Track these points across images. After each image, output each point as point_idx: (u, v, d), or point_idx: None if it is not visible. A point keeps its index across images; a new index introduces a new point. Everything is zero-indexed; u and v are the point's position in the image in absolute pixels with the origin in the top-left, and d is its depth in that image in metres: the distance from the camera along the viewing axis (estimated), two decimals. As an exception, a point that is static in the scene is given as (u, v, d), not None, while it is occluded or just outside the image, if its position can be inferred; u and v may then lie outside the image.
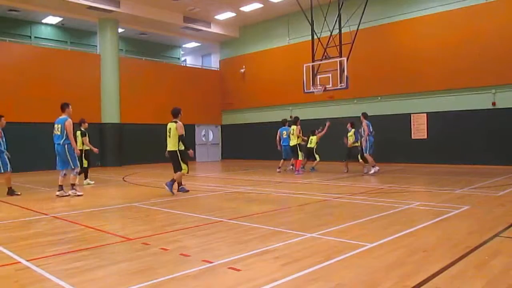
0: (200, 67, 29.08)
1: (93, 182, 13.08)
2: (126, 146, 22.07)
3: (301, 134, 15.07)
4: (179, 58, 30.34)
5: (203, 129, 26.57)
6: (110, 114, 21.73)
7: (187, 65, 30.01)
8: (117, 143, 21.72)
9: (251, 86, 25.04)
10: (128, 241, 5.36)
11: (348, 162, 15.23)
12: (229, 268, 4.10)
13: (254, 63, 24.98)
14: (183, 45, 29.69)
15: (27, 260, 4.49)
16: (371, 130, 14.24)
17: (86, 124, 13.30)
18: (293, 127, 15.08)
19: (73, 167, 9.96)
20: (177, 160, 9.85)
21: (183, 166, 9.92)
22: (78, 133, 12.72)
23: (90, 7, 19.81)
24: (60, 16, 22.14)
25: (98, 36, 22.38)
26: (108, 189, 12.14)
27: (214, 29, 24.66)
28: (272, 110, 24.05)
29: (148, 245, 5.08)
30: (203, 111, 25.83)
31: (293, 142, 15.02)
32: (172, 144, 9.84)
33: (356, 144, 14.67)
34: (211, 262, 4.28)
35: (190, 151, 10.00)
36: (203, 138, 26.56)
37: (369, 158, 14.19)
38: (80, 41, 24.71)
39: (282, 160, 16.22)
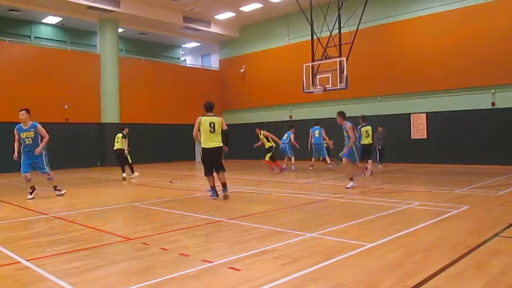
0: (200, 67, 29.08)
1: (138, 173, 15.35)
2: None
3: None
4: (179, 58, 30.34)
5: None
6: (110, 114, 21.72)
7: (187, 65, 30.01)
8: (117, 143, 21.71)
9: (251, 86, 25.05)
10: (128, 241, 5.36)
11: (363, 163, 13.09)
12: (229, 268, 4.10)
13: (254, 63, 24.98)
14: (183, 45, 29.69)
15: (27, 260, 4.49)
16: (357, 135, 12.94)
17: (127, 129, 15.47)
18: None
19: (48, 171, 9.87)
20: (221, 158, 8.97)
21: (223, 164, 9.06)
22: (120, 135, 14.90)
23: (90, 7, 19.80)
24: (60, 16, 22.13)
25: (98, 36, 22.38)
26: (108, 189, 12.14)
27: (214, 29, 24.67)
28: (271, 110, 24.06)
29: (147, 245, 5.08)
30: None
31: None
32: (217, 140, 8.81)
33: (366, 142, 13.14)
34: (211, 262, 4.28)
35: (226, 148, 9.12)
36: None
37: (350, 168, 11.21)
38: (80, 41, 24.70)
39: (313, 159, 16.39)
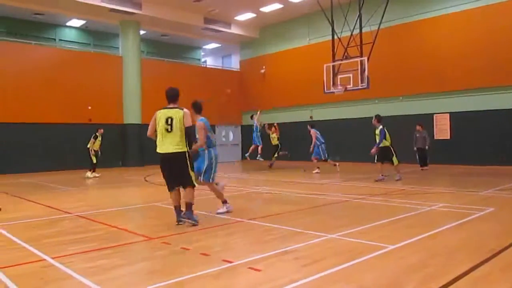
0: (220, 67, 29.22)
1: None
2: (147, 146, 22.30)
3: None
4: (199, 59, 30.55)
5: (223, 129, 26.69)
6: (132, 115, 22.02)
7: (208, 66, 30.19)
8: (139, 143, 21.98)
9: (271, 87, 25.03)
10: (149, 241, 5.43)
11: (382, 164, 12.49)
12: (250, 268, 4.11)
13: (274, 64, 24.97)
14: (204, 46, 29.88)
15: (52, 258, 4.60)
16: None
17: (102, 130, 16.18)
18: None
19: None
20: (186, 168, 6.24)
21: (192, 176, 6.36)
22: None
23: (112, 10, 20.12)
24: (83, 19, 22.55)
25: (120, 38, 22.72)
26: (129, 189, 12.30)
27: (234, 30, 24.76)
28: (292, 110, 24.00)
29: (169, 245, 5.13)
30: (223, 111, 25.94)
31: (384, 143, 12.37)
32: (176, 142, 6.17)
33: (387, 144, 12.23)
34: (231, 262, 4.30)
35: (195, 148, 6.61)
36: (223, 139, 26.68)
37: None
38: (103, 43, 25.11)
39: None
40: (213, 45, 29.18)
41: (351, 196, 9.24)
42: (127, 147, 21.60)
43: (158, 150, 6.24)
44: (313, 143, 15.59)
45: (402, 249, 4.70)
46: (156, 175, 15.73)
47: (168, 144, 6.18)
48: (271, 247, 4.89)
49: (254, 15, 23.17)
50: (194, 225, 6.20)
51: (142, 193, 11.41)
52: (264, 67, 25.55)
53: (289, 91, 23.75)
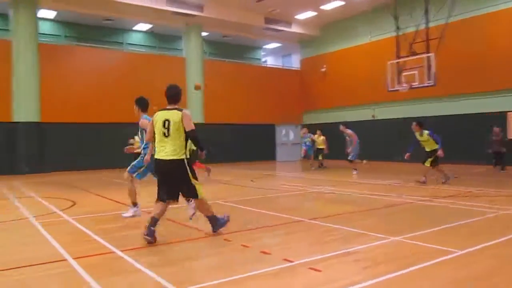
0: (280, 67, 29.26)
1: None
2: (209, 144, 22.84)
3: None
4: (260, 59, 30.79)
5: (283, 128, 26.71)
6: (195, 114, 22.61)
7: (268, 65, 30.35)
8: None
9: (332, 86, 24.69)
10: (210, 237, 5.56)
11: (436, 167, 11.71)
12: (310, 268, 4.09)
13: (335, 62, 24.60)
14: (264, 46, 30.06)
15: (121, 250, 4.84)
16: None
17: None
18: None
19: None
20: (187, 178, 5.49)
21: (198, 186, 5.63)
22: None
23: (176, 13, 20.80)
24: (149, 23, 23.52)
25: (183, 40, 23.45)
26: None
27: (294, 28, 24.69)
28: (353, 109, 23.51)
29: (229, 242, 5.23)
30: (283, 110, 25.97)
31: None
32: (174, 148, 5.41)
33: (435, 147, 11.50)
34: (291, 262, 4.30)
35: (202, 154, 5.95)
36: (284, 138, 26.71)
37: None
38: (167, 45, 26.02)
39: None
40: (273, 45, 29.28)
41: (415, 198, 8.90)
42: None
43: (156, 156, 5.52)
44: (354, 143, 15.01)
45: (467, 256, 4.46)
46: (218, 173, 16.07)
47: (165, 150, 5.40)
48: (332, 248, 4.83)
49: (314, 13, 22.96)
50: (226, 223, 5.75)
51: (204, 190, 11.65)
52: (324, 65, 25.25)
53: (351, 90, 23.29)
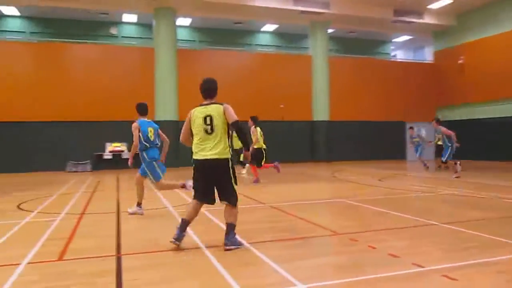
0: (411, 61, 27.69)
1: None
2: (334, 142, 22.67)
3: None
4: (389, 54, 29.50)
5: (414, 126, 25.14)
6: (321, 112, 22.64)
7: (398, 59, 28.93)
8: (326, 139, 22.51)
9: (471, 79, 22.52)
10: (336, 236, 5.50)
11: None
12: (443, 276, 3.79)
13: (475, 53, 22.39)
14: (393, 40, 28.73)
15: (249, 243, 5.05)
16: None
17: None
18: None
19: None
20: (230, 181, 5.08)
21: (236, 192, 5.17)
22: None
23: (302, 12, 20.99)
24: (276, 23, 24.16)
25: (309, 38, 23.58)
26: (317, 184, 12.65)
27: (427, 19, 23.10)
28: (498, 104, 21.16)
29: (355, 241, 5.11)
30: (414, 107, 24.51)
31: None
32: (218, 147, 4.98)
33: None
34: (422, 267, 4.04)
35: (248, 154, 5.47)
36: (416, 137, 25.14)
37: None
38: (293, 44, 26.42)
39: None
40: (403, 38, 27.80)
41: None
42: (316, 143, 22.40)
43: (195, 156, 5.04)
44: (454, 141, 13.29)
45: None
46: (343, 171, 15.83)
47: (209, 148, 4.96)
48: (469, 256, 4.42)
49: (450, 1, 21.21)
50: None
51: (329, 188, 11.61)
52: (462, 57, 23.17)
53: (493, 83, 21.01)
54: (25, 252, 4.75)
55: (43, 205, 8.56)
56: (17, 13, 21.55)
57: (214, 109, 5.02)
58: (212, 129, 4.94)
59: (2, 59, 18.53)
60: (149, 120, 7.50)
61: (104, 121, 19.25)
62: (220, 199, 5.16)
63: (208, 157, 4.94)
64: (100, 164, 19.11)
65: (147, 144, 7.28)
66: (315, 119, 22.70)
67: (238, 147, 13.66)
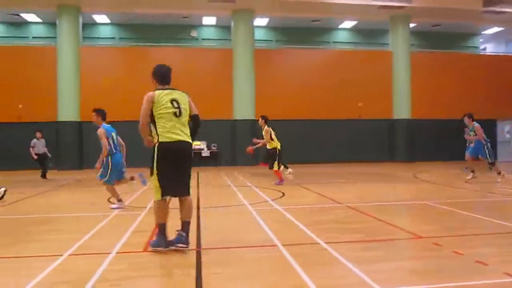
0: (503, 54, 25.65)
1: None
2: (416, 141, 21.68)
3: None
4: (477, 47, 27.56)
5: (507, 124, 23.35)
6: (402, 109, 21.77)
7: (487, 53, 26.94)
8: (407, 138, 21.59)
9: None
10: (418, 239, 5.26)
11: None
12: (539, 287, 3.49)
13: None
14: (482, 32, 26.76)
15: (326, 243, 5.00)
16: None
17: None
18: None
19: None
20: (191, 168, 4.95)
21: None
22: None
23: (382, 7, 20.29)
24: (354, 20, 23.62)
25: (389, 33, 22.74)
26: (397, 185, 12.19)
27: (521, 8, 21.24)
28: None
29: (439, 246, 4.85)
30: (507, 104, 22.67)
31: None
32: (187, 131, 4.89)
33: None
34: (514, 276, 3.74)
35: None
36: (507, 135, 23.34)
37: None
38: (372, 40, 25.64)
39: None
40: (493, 29, 25.80)
41: None
42: (396, 142, 21.61)
43: (163, 139, 4.67)
44: (480, 139, 11.89)
45: None
46: (426, 173, 15.09)
47: (179, 131, 4.74)
48: None
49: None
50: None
51: (410, 189, 11.12)
52: None
53: None
54: (114, 243, 5.11)
55: (130, 199, 9.13)
56: (108, 21, 23.19)
57: (180, 95, 4.93)
58: (180, 113, 4.79)
59: (95, 64, 20.01)
60: (109, 125, 7.99)
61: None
62: (181, 193, 4.87)
63: (181, 139, 4.74)
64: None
65: (114, 149, 7.81)
66: (395, 117, 21.86)
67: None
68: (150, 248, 4.81)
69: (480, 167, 12.93)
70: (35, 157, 14.46)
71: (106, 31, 23.90)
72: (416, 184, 12.24)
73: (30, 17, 22.40)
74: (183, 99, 4.90)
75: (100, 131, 7.74)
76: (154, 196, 4.82)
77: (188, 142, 4.81)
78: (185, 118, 4.84)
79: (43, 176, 14.71)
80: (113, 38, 23.70)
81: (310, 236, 5.39)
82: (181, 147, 4.73)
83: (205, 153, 19.89)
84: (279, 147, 11.81)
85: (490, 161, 12.08)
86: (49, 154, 15.03)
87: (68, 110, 19.19)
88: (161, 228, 4.81)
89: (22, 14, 21.94)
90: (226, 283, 3.77)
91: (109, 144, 7.68)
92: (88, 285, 3.67)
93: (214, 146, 20.13)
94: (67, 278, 3.94)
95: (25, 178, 14.89)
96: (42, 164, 14.76)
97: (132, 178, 8.23)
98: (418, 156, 21.42)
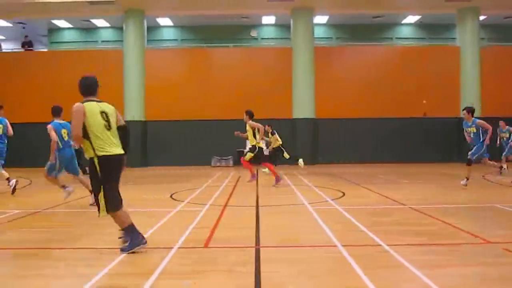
0: None
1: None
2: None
3: None
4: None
5: None
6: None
7: None
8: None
9: None
10: (486, 244, 4.97)
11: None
12: None
13: None
14: None
15: (387, 245, 4.86)
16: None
17: None
18: None
19: None
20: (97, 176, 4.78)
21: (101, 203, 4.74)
22: None
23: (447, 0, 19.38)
24: (418, 15, 22.74)
25: (457, 28, 21.64)
26: (464, 186, 11.57)
27: None
28: None
29: (510, 253, 4.56)
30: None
31: None
32: (119, 143, 4.96)
33: None
34: None
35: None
36: None
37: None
38: (438, 35, 24.57)
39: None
40: None
41: None
42: (463, 140, 20.49)
43: (104, 152, 4.68)
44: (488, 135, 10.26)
45: None
46: (497, 173, 14.22)
47: (116, 144, 4.84)
48: None
49: None
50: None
51: (479, 191, 10.50)
52: None
53: None
54: (176, 238, 5.28)
55: (192, 196, 9.40)
56: (171, 23, 24.03)
57: (108, 107, 4.92)
58: (110, 126, 4.81)
59: (160, 66, 20.79)
60: (62, 122, 8.29)
61: (245, 119, 20.34)
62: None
63: (120, 153, 4.84)
64: (241, 160, 20.29)
65: (60, 144, 8.16)
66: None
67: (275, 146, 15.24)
68: (124, 253, 4.63)
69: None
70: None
71: (169, 34, 24.78)
72: (485, 185, 11.59)
73: (99, 22, 23.72)
74: (111, 111, 4.92)
75: (48, 127, 8.25)
76: (100, 213, 4.74)
77: (122, 154, 4.88)
78: (115, 129, 4.89)
79: (84, 172, 15.53)
80: (175, 40, 24.51)
81: (371, 238, 5.27)
82: (117, 159, 4.80)
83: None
84: (261, 145, 11.38)
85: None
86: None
87: (133, 110, 20.08)
88: (131, 228, 4.75)
89: (92, 20, 23.28)
90: (284, 282, 3.78)
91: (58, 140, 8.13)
92: (152, 278, 3.83)
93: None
94: (133, 270, 4.14)
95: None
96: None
97: (63, 186, 8.38)
98: (489, 156, 20.21)
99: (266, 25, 24.48)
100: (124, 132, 5.05)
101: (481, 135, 10.42)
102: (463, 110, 10.88)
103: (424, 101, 20.33)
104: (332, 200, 8.55)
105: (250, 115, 11.20)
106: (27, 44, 22.64)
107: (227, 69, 20.79)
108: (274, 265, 4.24)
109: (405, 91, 20.44)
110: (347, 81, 20.58)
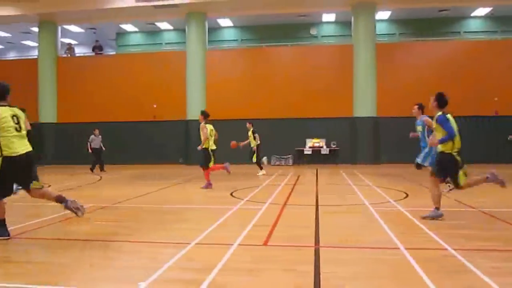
0: None
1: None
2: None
3: None
4: None
5: None
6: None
7: None
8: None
9: None
10: None
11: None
12: None
13: None
14: None
15: (453, 249, 4.63)
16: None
17: None
18: None
19: None
20: (35, 168, 5.60)
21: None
22: None
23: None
24: (489, 7, 21.42)
25: (533, 18, 20.21)
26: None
27: None
28: None
29: None
30: None
31: None
32: (27, 142, 5.51)
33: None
34: None
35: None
36: None
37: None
38: (511, 28, 23.01)
39: None
40: None
41: None
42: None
43: (10, 153, 5.18)
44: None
45: None
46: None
47: (24, 144, 5.39)
48: None
49: None
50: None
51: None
52: None
53: None
54: (236, 235, 5.36)
55: (251, 194, 9.50)
56: (231, 24, 24.41)
57: (19, 112, 5.45)
58: (20, 128, 5.34)
59: (220, 66, 21.20)
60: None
61: (305, 118, 20.21)
62: (28, 186, 5.43)
63: (28, 150, 5.39)
64: (300, 159, 20.17)
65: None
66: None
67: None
68: None
69: None
70: (91, 151, 16.15)
71: (229, 34, 25.19)
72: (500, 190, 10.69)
73: (163, 25, 24.61)
74: (21, 115, 5.46)
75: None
76: None
77: (30, 152, 5.43)
78: (24, 132, 5.43)
79: (102, 169, 16.35)
80: (235, 40, 24.87)
81: (436, 241, 5.04)
82: (23, 159, 5.30)
83: (324, 151, 19.84)
84: (213, 147, 10.74)
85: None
86: (103, 148, 16.67)
87: (195, 110, 20.58)
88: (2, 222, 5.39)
89: (157, 23, 24.22)
90: (344, 283, 3.71)
91: None
92: (212, 273, 3.91)
93: (333, 144, 19.97)
94: (194, 265, 4.25)
95: (166, 171, 16.51)
96: (98, 158, 16.34)
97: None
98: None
99: (326, 22, 24.18)
100: (30, 136, 5.73)
101: (426, 137, 9.11)
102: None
103: (496, 98, 19.15)
104: (395, 201, 8.29)
105: (205, 115, 10.86)
106: (97, 48, 23.98)
107: (286, 68, 20.80)
108: (333, 265, 4.18)
109: (474, 88, 19.33)
110: (411, 78, 19.80)
